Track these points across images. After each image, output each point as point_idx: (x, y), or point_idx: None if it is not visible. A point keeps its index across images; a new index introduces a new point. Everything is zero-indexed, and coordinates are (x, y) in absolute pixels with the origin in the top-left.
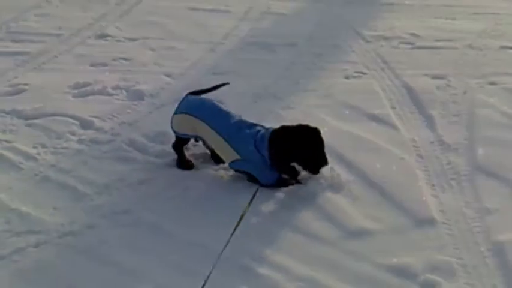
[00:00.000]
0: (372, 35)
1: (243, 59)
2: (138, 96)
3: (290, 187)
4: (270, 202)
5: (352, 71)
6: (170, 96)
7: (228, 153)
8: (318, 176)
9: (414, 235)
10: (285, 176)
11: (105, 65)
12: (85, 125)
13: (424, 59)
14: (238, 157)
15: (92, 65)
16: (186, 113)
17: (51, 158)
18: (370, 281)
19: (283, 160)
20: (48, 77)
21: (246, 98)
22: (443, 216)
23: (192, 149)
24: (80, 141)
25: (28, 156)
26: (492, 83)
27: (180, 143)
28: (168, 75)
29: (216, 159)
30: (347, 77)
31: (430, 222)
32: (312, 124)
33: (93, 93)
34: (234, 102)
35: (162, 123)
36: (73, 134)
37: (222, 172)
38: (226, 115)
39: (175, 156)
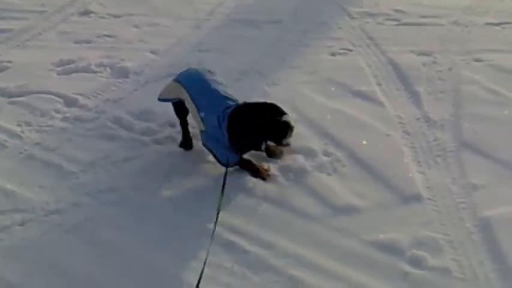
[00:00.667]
0: (358, 11)
1: (228, 35)
2: (123, 73)
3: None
4: (255, 180)
5: (337, 47)
6: (155, 73)
7: (198, 122)
8: (304, 153)
9: (401, 211)
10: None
11: (89, 42)
12: (69, 102)
13: (410, 35)
14: (203, 128)
15: (75, 42)
16: (175, 80)
17: (36, 136)
18: (357, 257)
19: (240, 139)
20: (31, 55)
21: (231, 75)
22: (430, 193)
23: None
24: (64, 119)
25: (12, 134)
26: (477, 60)
27: (181, 118)
28: (152, 52)
29: None
30: (333, 54)
31: (417, 198)
32: (299, 101)
33: (77, 71)
34: None
35: (147, 101)
36: (57, 111)
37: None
38: (209, 85)
39: (161, 134)
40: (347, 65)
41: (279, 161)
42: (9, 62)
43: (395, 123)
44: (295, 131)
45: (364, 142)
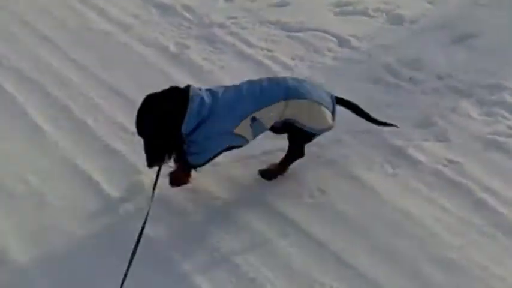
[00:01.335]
0: None
1: None
2: (398, 20)
3: None
4: None
5: None
6: (430, 23)
7: None
8: None
9: None
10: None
11: None
12: (342, 42)
13: None
14: None
15: None
16: None
17: (306, 71)
18: None
19: None
20: None
21: None
22: None
23: None
24: (335, 58)
25: (286, 67)
26: None
27: None
28: (429, 2)
29: None
30: None
31: None
32: None
33: (354, 13)
34: None
35: (418, 50)
36: (330, 50)
37: None
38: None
39: (428, 84)
40: None
41: None
42: None
43: None
44: None
45: None
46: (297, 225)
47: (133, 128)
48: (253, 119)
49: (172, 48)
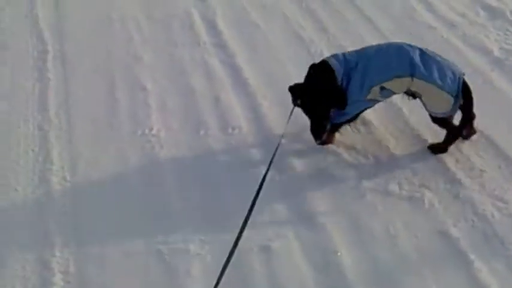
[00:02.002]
0: None
1: None
2: None
3: None
4: None
5: None
6: None
7: None
8: None
9: None
10: None
11: None
12: None
13: None
14: None
15: None
16: None
17: None
18: None
19: None
20: None
21: None
22: None
23: None
24: None
25: None
26: None
27: None
28: None
29: None
30: None
31: None
32: None
33: None
34: None
35: None
36: None
37: None
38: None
39: None
40: None
41: None
42: None
43: None
44: None
45: None
46: None
47: None
48: (382, 88)
49: (496, 52)
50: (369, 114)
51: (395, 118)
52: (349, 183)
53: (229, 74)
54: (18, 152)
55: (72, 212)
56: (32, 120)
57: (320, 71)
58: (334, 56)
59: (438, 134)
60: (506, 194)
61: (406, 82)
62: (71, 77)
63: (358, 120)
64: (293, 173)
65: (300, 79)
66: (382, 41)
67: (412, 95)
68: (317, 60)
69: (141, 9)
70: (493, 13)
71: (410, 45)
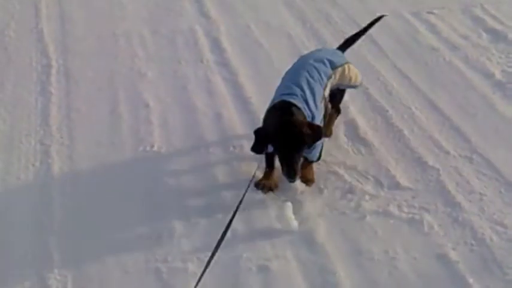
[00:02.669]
0: None
1: None
2: None
3: None
4: None
5: None
6: None
7: None
8: None
9: None
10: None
11: None
12: None
13: None
14: None
15: None
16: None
17: None
18: None
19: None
20: None
21: None
22: None
23: None
24: None
25: None
26: None
27: None
28: None
29: None
30: None
31: None
32: None
33: None
34: None
35: None
36: None
37: None
38: (301, 67)
39: None
40: None
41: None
42: None
43: None
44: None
45: None
46: None
47: (448, 146)
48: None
49: (498, 75)
50: (370, 135)
51: (396, 140)
52: (349, 205)
53: (232, 92)
54: (19, 167)
55: (73, 228)
56: (34, 134)
57: (287, 110)
58: (289, 96)
59: (440, 156)
60: (506, 218)
61: (332, 80)
62: (74, 92)
63: (359, 141)
64: (292, 193)
65: None
66: (384, 61)
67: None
68: None
69: (146, 25)
70: (496, 36)
71: (316, 52)
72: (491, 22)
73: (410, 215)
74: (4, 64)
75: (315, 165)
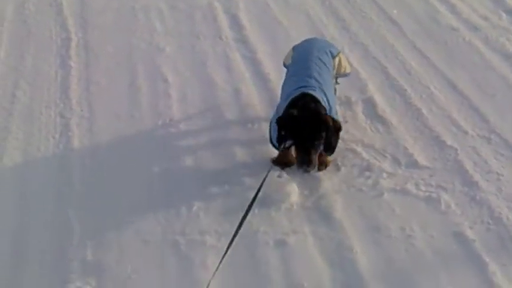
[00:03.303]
0: None
1: None
2: None
3: None
4: None
5: None
6: None
7: None
8: None
9: None
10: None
11: None
12: None
13: None
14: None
15: None
16: (293, 47)
17: None
18: None
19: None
20: None
21: None
22: None
23: None
24: None
25: None
26: None
27: None
28: None
29: None
30: None
31: None
32: None
33: None
34: None
35: None
36: None
37: None
38: (308, 58)
39: None
40: None
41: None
42: None
43: None
44: None
45: None
46: None
47: (466, 126)
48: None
49: None
50: (388, 114)
51: (414, 118)
52: (366, 182)
53: (250, 69)
54: (40, 138)
55: (92, 199)
56: (54, 107)
57: (310, 101)
58: (307, 88)
59: (458, 136)
60: None
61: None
62: (94, 65)
63: (378, 120)
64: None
65: None
66: (403, 41)
67: None
68: None
69: None
70: None
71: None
72: (511, 3)
73: (427, 194)
74: (24, 37)
75: None
